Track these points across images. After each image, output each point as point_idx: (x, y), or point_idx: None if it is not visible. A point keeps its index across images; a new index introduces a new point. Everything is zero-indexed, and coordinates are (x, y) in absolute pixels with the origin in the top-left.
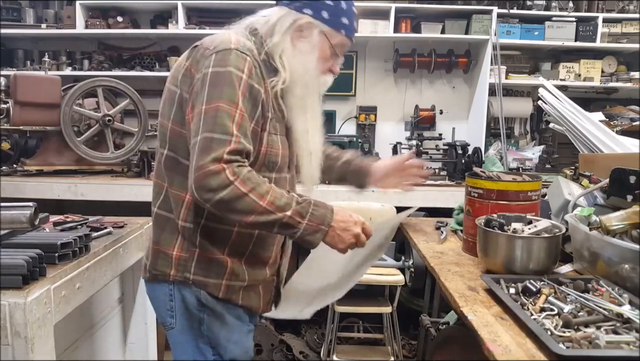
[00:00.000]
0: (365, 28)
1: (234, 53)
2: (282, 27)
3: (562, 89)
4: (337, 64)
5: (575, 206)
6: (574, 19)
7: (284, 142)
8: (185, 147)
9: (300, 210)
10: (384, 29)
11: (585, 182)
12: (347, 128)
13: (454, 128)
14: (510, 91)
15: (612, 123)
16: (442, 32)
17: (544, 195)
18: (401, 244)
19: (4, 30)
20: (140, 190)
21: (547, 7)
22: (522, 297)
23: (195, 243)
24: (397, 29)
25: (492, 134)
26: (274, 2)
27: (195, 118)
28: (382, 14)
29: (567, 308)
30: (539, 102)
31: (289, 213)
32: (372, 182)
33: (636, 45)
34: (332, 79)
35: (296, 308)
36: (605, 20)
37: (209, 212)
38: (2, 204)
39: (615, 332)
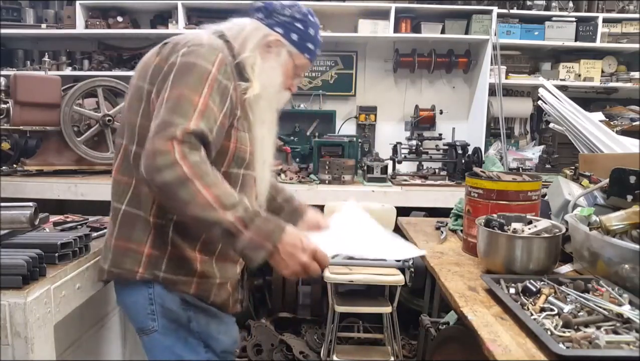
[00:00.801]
0: (365, 28)
1: (206, 47)
2: (253, 40)
3: (562, 88)
4: (295, 84)
5: (575, 206)
6: (574, 19)
7: (252, 140)
8: None
9: (246, 218)
10: (384, 29)
11: (585, 182)
12: (347, 128)
13: (454, 128)
14: (510, 91)
15: (612, 123)
16: (442, 32)
17: (544, 195)
18: None
19: (4, 30)
20: None
21: (547, 7)
22: (522, 297)
23: (167, 241)
24: (397, 29)
25: (492, 134)
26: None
27: (157, 105)
28: (382, 14)
29: (567, 308)
30: (539, 102)
31: (230, 217)
32: (302, 225)
33: (636, 45)
34: (288, 96)
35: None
36: (605, 20)
37: None
38: (2, 204)
39: (615, 332)
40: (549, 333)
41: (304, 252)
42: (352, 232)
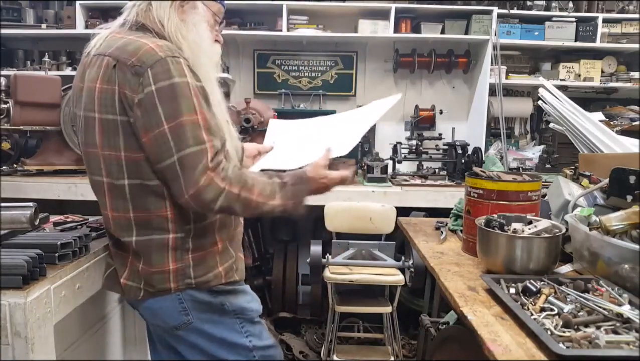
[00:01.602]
0: (365, 28)
1: (168, 61)
2: (164, 8)
3: (562, 88)
4: (219, 33)
5: (575, 206)
6: (574, 19)
7: (214, 108)
8: (148, 170)
9: (285, 195)
10: (384, 29)
11: (585, 182)
12: None
13: (454, 128)
14: (510, 91)
15: (612, 123)
16: (442, 32)
17: (544, 195)
18: (401, 244)
19: (4, 30)
20: None
21: (547, 7)
22: (522, 297)
23: (187, 249)
24: (397, 29)
25: (492, 134)
26: (273, 2)
27: (159, 140)
28: (382, 14)
29: (567, 308)
30: (539, 102)
31: (277, 201)
32: (247, 160)
33: (636, 45)
34: (220, 50)
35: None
36: (605, 20)
37: (195, 214)
38: (2, 204)
39: (615, 332)
40: (549, 333)
41: (328, 180)
42: (310, 135)
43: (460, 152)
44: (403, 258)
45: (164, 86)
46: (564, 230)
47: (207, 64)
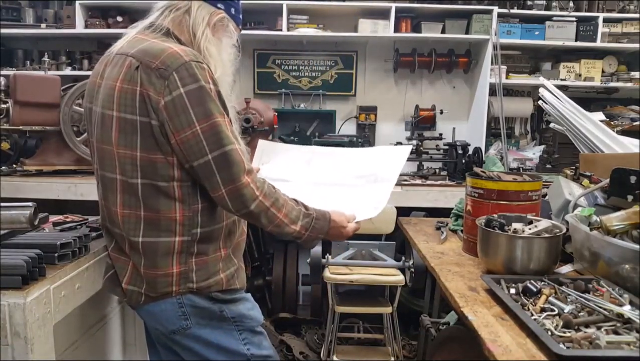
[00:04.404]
0: (365, 28)
1: (193, 66)
2: (202, 22)
3: (563, 88)
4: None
5: (575, 206)
6: (574, 18)
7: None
8: (162, 172)
9: (306, 225)
10: (384, 29)
11: (585, 182)
12: (347, 128)
13: (454, 128)
14: (510, 91)
15: (612, 123)
16: (443, 32)
17: (544, 195)
18: (401, 244)
19: (4, 30)
20: None
21: (548, 7)
22: (522, 297)
23: (192, 253)
24: (397, 29)
25: (492, 134)
26: (273, 2)
27: (191, 140)
28: (382, 14)
29: (567, 308)
30: (540, 102)
31: (297, 228)
32: None
33: (636, 45)
34: None
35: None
36: (605, 20)
37: (203, 218)
38: (2, 204)
39: (616, 332)
40: (549, 333)
41: (346, 230)
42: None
43: (460, 152)
44: (403, 258)
45: (192, 89)
46: (564, 230)
47: (227, 81)
